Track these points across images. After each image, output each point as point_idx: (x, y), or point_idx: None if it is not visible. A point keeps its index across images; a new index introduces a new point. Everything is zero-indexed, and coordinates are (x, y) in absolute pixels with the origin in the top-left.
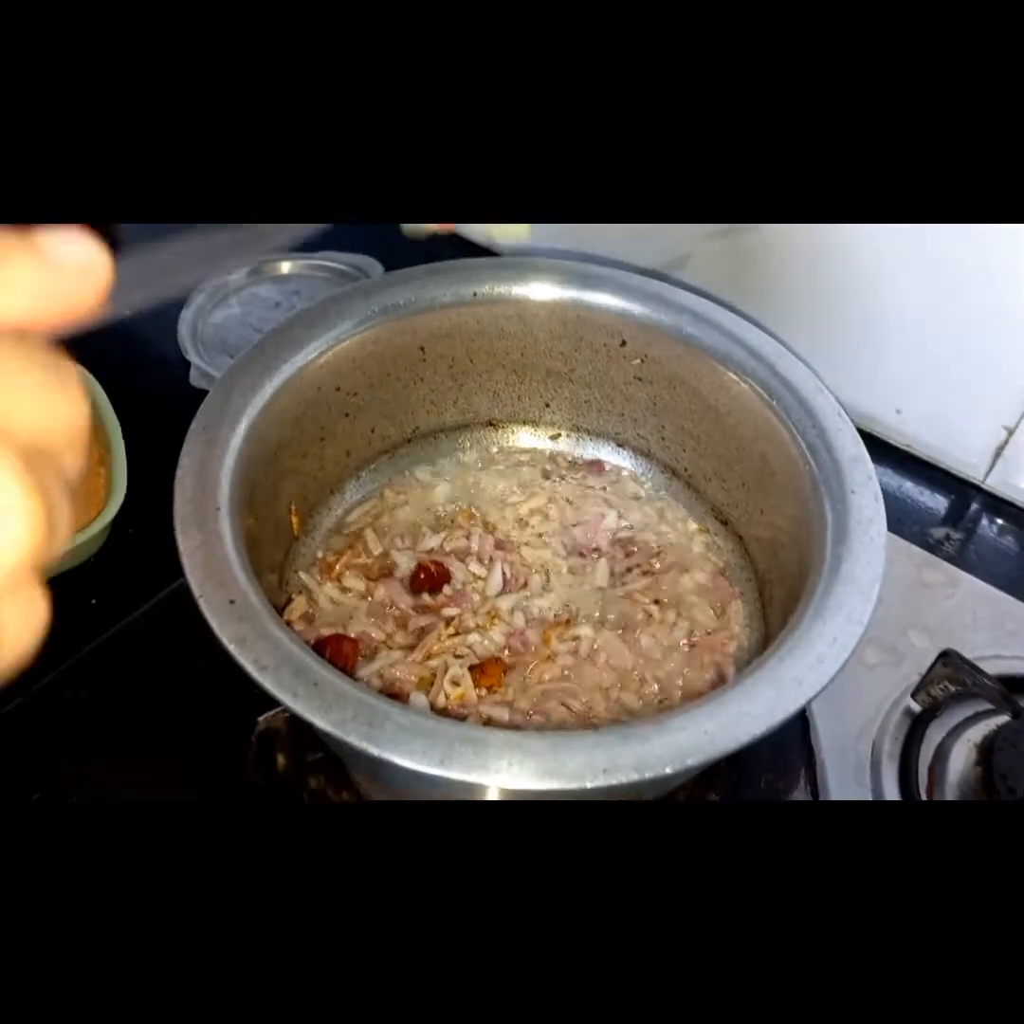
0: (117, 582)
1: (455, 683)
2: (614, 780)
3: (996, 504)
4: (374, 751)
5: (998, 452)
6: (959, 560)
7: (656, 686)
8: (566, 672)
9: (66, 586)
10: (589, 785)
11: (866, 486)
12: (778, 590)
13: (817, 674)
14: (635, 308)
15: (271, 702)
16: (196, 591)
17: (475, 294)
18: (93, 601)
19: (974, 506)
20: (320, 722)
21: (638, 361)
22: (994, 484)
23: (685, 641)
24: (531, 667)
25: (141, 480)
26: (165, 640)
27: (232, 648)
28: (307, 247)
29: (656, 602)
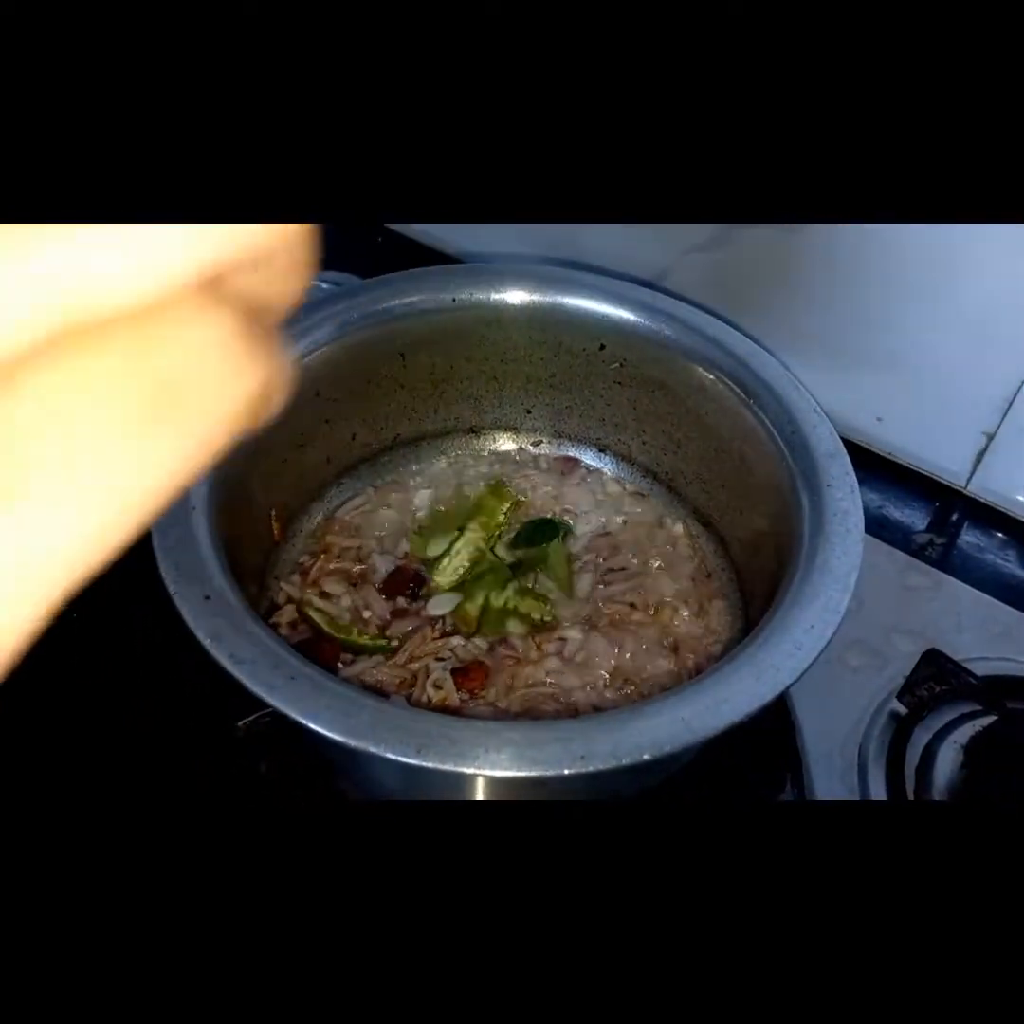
0: (94, 595)
1: (437, 686)
2: (591, 767)
3: (978, 509)
4: (351, 742)
5: (979, 458)
6: (942, 565)
7: (642, 687)
8: (550, 675)
9: None
10: (566, 771)
11: (843, 480)
12: (759, 588)
13: (795, 661)
14: (613, 312)
15: (251, 707)
16: (171, 587)
17: (454, 300)
18: (74, 615)
19: (956, 512)
20: (296, 715)
21: (617, 365)
22: (975, 490)
23: (669, 642)
24: (515, 670)
25: None
26: (142, 651)
27: (207, 643)
28: None
29: (638, 605)
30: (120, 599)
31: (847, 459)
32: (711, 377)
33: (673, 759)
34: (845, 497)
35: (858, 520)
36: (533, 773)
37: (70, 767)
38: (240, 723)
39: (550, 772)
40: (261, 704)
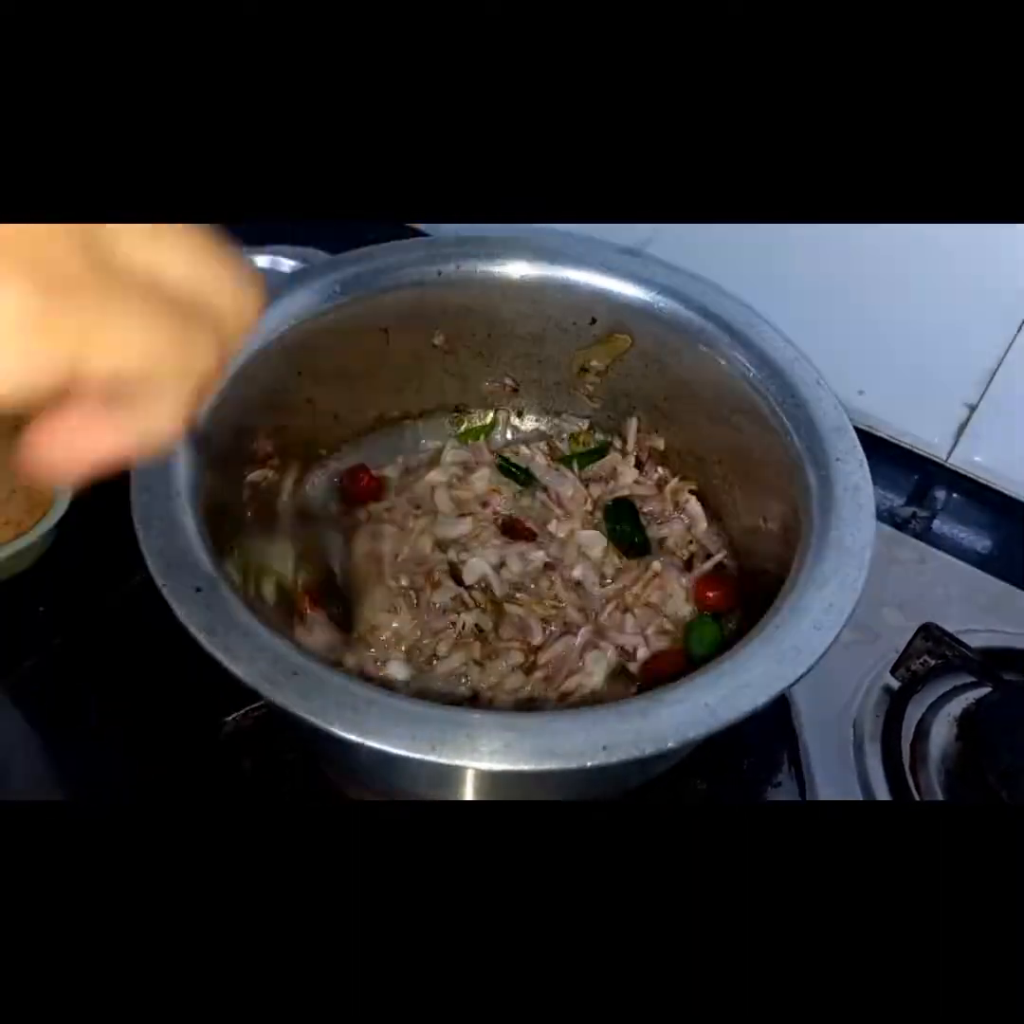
0: (66, 587)
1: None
2: (615, 757)
3: (960, 481)
4: (361, 740)
5: (960, 430)
6: (927, 537)
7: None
8: None
9: (12, 594)
10: (589, 763)
11: (851, 455)
12: (762, 563)
13: (815, 642)
14: (605, 284)
15: (237, 702)
16: (159, 580)
17: (440, 273)
18: (41, 608)
19: (939, 484)
20: (302, 712)
21: None
22: (957, 462)
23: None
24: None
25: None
26: (119, 645)
27: (201, 638)
28: (251, 241)
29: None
30: (90, 595)
31: (854, 433)
32: (707, 349)
33: (694, 745)
34: (854, 471)
35: (869, 495)
36: (555, 766)
37: (39, 772)
38: (227, 718)
39: (573, 764)
40: (249, 699)
